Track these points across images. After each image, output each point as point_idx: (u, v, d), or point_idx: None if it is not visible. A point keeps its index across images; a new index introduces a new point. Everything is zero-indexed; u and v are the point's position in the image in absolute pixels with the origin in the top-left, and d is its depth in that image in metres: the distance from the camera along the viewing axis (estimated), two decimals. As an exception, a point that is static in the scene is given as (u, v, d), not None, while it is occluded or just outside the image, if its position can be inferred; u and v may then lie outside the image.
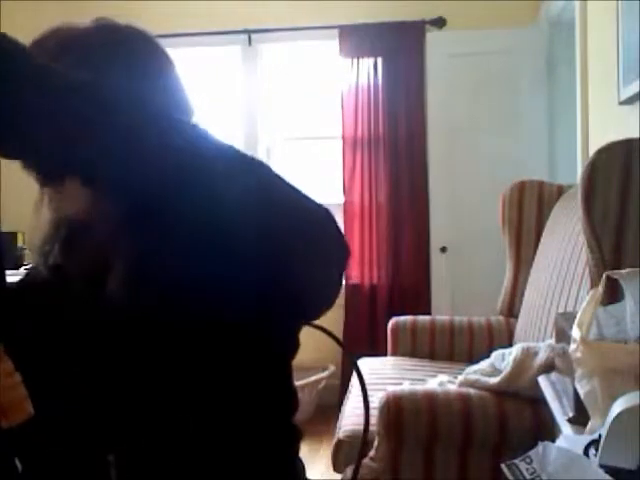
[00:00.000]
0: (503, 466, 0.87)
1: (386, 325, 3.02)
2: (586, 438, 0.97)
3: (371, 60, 4.15)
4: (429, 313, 3.78)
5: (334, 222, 0.72)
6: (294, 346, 0.89)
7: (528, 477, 0.84)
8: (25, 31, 3.70)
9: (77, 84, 0.60)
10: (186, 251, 0.69)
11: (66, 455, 0.88)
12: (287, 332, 0.88)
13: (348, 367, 3.66)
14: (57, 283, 0.89)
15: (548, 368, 1.70)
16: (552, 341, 1.79)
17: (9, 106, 0.56)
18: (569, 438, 1.11)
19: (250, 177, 0.66)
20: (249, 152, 0.69)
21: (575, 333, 1.15)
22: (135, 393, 0.83)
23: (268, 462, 0.87)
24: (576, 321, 1.17)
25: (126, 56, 0.86)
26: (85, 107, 0.59)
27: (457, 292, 3.95)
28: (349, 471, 1.97)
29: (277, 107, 4.43)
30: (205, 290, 0.72)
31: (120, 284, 0.77)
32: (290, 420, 0.93)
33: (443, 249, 4.01)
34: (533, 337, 2.34)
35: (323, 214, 0.71)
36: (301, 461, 0.95)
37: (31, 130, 0.58)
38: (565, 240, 2.24)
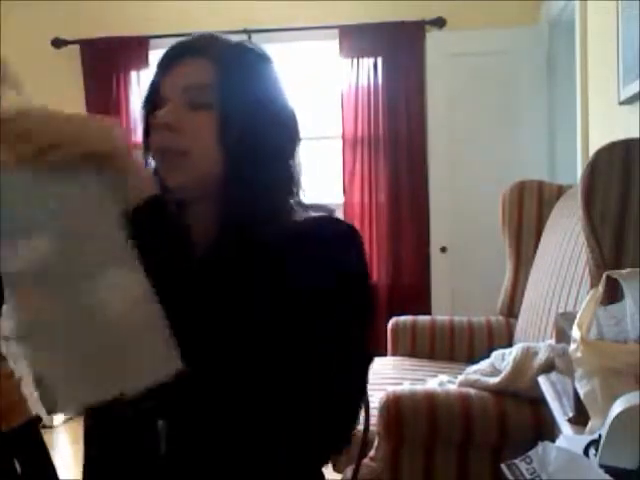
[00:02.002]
0: (503, 466, 0.87)
1: (386, 325, 3.02)
2: (586, 438, 0.97)
3: (371, 60, 4.15)
4: (429, 313, 3.77)
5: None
6: None
7: (528, 477, 0.84)
8: (25, 31, 3.73)
9: None
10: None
11: (116, 418, 0.90)
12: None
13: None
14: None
15: (548, 368, 1.70)
16: (552, 341, 1.79)
17: None
18: (569, 438, 1.11)
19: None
20: None
21: (575, 333, 1.15)
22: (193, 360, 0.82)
23: None
24: (576, 321, 1.17)
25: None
26: None
27: (457, 292, 3.95)
28: (349, 471, 1.97)
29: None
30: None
31: None
32: None
33: (443, 249, 4.01)
34: (533, 337, 2.34)
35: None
36: None
37: None
38: (565, 240, 2.24)
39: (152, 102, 0.95)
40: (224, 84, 0.91)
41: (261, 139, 0.92)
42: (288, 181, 0.96)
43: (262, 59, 0.97)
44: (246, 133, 0.91)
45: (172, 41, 0.97)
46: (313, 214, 0.94)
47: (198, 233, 0.90)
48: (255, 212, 0.89)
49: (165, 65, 0.95)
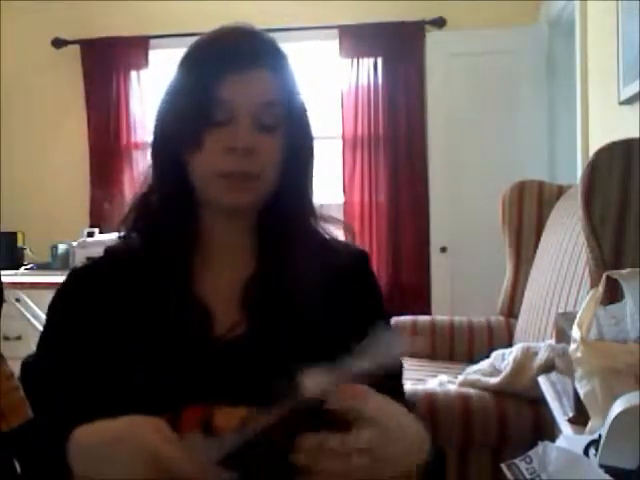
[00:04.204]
0: (503, 466, 0.87)
1: (386, 325, 3.01)
2: (586, 438, 0.97)
3: (371, 60, 4.15)
4: (429, 313, 3.77)
5: None
6: None
7: (528, 477, 0.84)
8: (25, 31, 3.74)
9: None
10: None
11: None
12: None
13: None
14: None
15: (548, 368, 1.70)
16: (552, 341, 1.79)
17: None
18: (569, 438, 1.11)
19: None
20: None
21: (575, 333, 1.15)
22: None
23: None
24: (576, 321, 1.17)
25: None
26: None
27: (457, 292, 3.95)
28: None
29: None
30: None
31: None
32: None
33: (443, 249, 4.01)
34: (533, 337, 2.34)
35: None
36: None
37: None
38: (565, 240, 2.24)
39: (208, 107, 0.87)
40: (289, 104, 0.91)
41: (310, 150, 0.97)
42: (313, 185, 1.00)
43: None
44: (303, 148, 0.95)
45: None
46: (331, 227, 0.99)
47: (243, 247, 0.94)
48: (302, 223, 0.94)
49: (221, 71, 0.87)
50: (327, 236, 0.97)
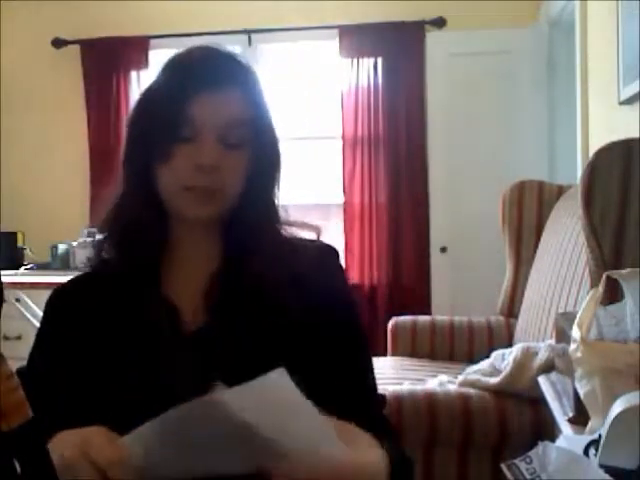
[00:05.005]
0: (503, 466, 0.87)
1: (386, 325, 3.02)
2: (586, 438, 0.97)
3: (371, 60, 4.15)
4: (429, 313, 3.77)
5: None
6: None
7: (528, 477, 0.84)
8: (25, 31, 3.75)
9: None
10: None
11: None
12: None
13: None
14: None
15: (548, 368, 1.70)
16: (552, 341, 1.79)
17: None
18: (569, 438, 1.11)
19: None
20: None
21: (575, 333, 1.15)
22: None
23: None
24: (576, 321, 1.17)
25: None
26: None
27: (457, 292, 3.95)
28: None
29: (277, 107, 4.41)
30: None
31: None
32: None
33: (443, 249, 4.01)
34: (533, 337, 2.34)
35: None
36: None
37: None
38: (565, 240, 2.24)
39: (175, 123, 0.90)
40: (256, 122, 0.94)
41: (276, 165, 0.99)
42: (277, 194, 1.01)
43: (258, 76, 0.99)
44: (268, 163, 0.97)
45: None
46: (297, 229, 1.01)
47: (209, 248, 0.97)
48: (266, 226, 0.97)
49: (191, 89, 0.90)
50: (291, 237, 1.00)
